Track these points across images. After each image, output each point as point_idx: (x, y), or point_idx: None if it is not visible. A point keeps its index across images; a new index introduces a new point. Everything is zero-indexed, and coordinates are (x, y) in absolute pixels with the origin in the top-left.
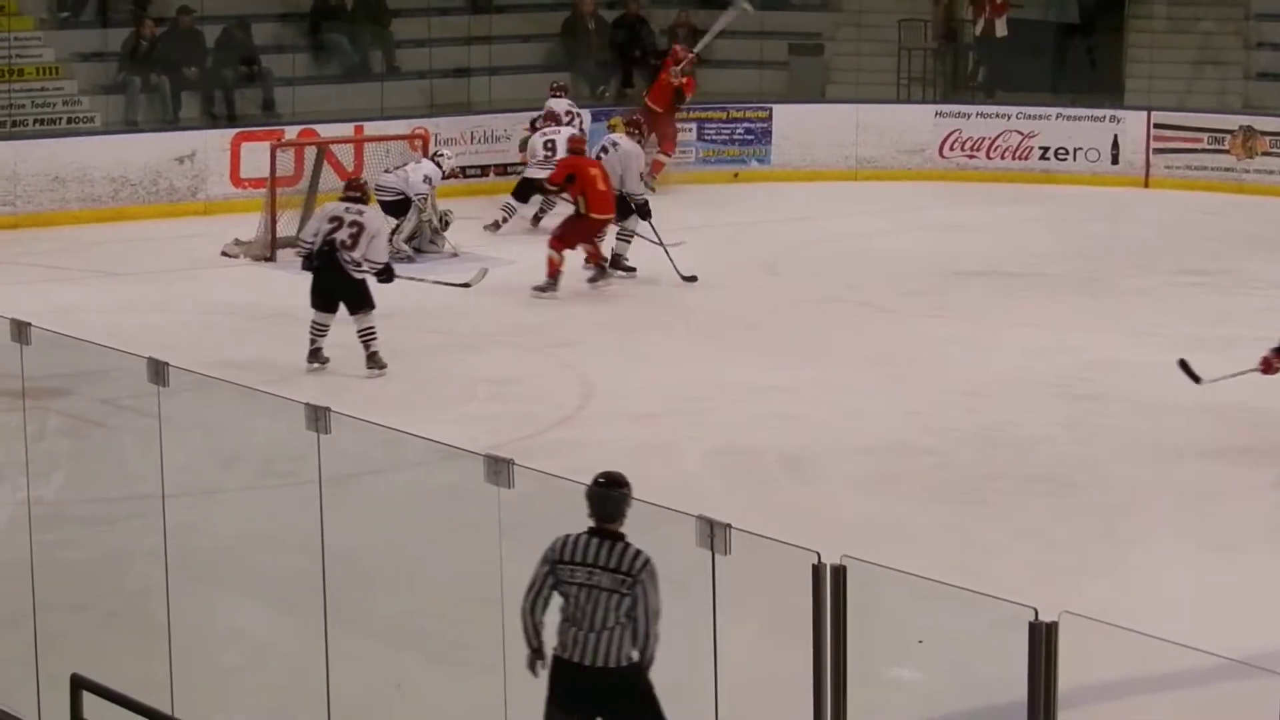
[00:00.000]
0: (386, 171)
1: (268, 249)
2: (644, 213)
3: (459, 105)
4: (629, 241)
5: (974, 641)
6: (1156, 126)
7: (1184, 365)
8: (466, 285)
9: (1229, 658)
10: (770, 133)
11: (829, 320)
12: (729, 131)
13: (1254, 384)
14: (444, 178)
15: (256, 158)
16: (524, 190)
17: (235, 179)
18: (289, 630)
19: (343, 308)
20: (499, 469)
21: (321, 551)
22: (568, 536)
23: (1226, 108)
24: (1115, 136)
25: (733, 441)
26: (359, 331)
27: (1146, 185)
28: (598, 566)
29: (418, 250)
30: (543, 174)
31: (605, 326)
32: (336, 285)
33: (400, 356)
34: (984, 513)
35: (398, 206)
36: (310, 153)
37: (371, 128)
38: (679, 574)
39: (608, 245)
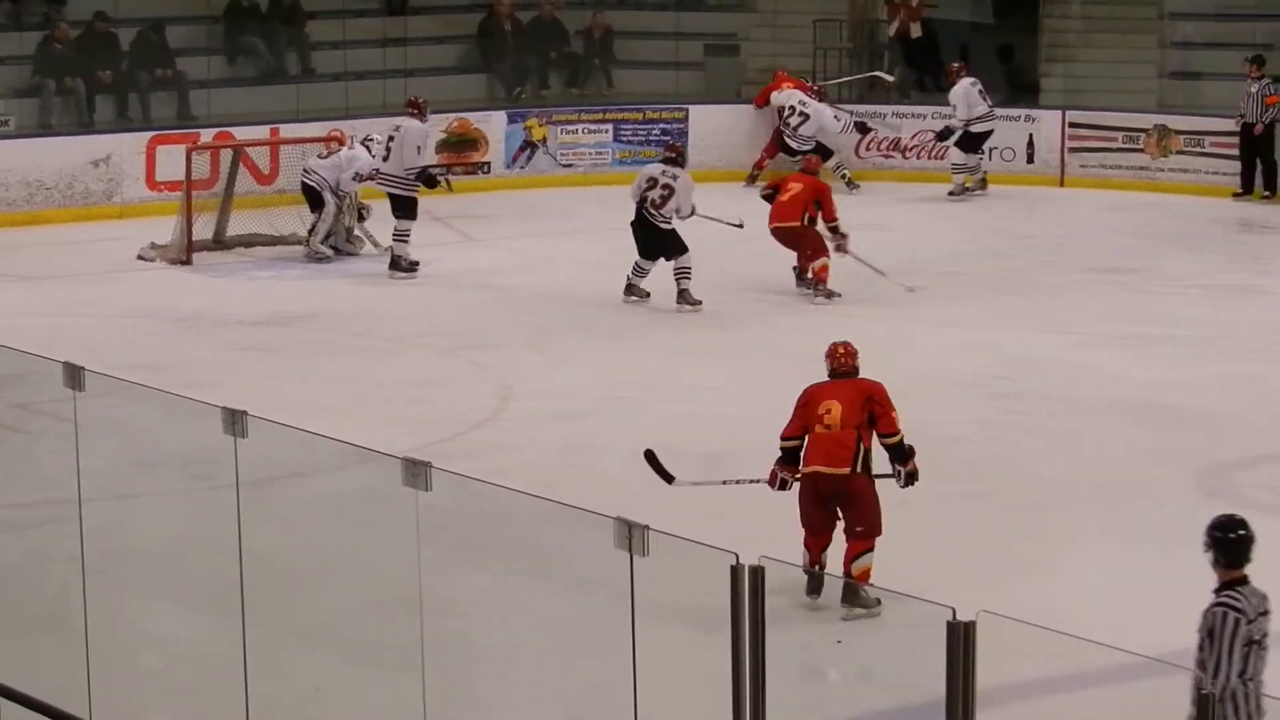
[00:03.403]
0: (320, 157)
1: (184, 252)
2: (431, 181)
3: (375, 107)
4: (406, 240)
5: (893, 641)
6: (1071, 126)
7: (651, 459)
8: (740, 225)
9: (1144, 655)
10: (686, 133)
11: (749, 320)
12: (645, 132)
13: (1174, 381)
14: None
15: (172, 161)
16: None
17: (151, 182)
18: (208, 634)
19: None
20: (417, 472)
21: (239, 555)
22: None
23: (1141, 107)
24: (1030, 136)
25: (654, 442)
26: (674, 270)
27: (1062, 184)
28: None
29: (335, 250)
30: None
31: (526, 328)
32: (647, 235)
33: (317, 359)
34: (904, 512)
35: (316, 198)
36: (226, 155)
37: (287, 130)
38: (596, 575)
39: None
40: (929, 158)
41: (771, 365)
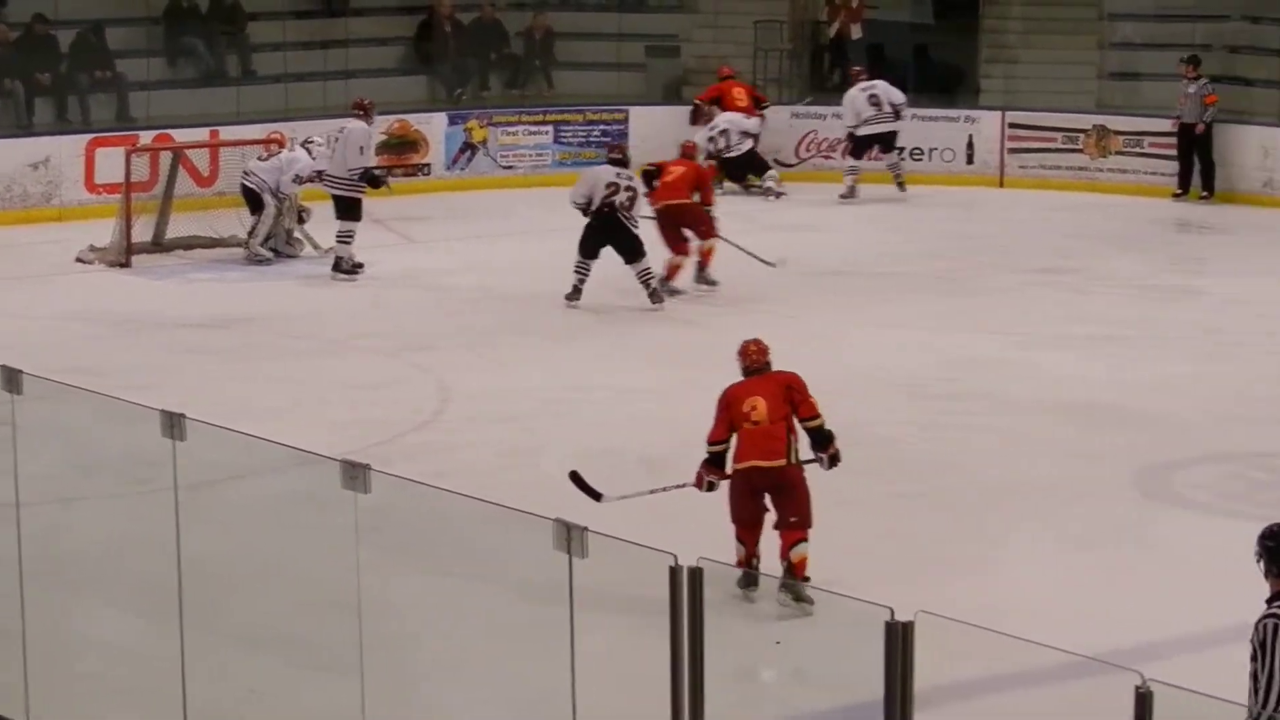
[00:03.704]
0: (260, 159)
1: (123, 255)
2: (375, 182)
3: (315, 109)
4: (349, 242)
5: (831, 641)
6: (1011, 126)
7: (576, 479)
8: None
9: (1082, 655)
10: (627, 134)
11: (687, 321)
12: (586, 134)
13: (1114, 381)
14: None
15: (111, 163)
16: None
17: (90, 185)
18: (146, 637)
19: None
20: (355, 474)
21: (178, 557)
22: None
23: (1080, 107)
24: (970, 136)
25: (593, 444)
26: (638, 274)
27: (1001, 185)
28: None
29: (275, 252)
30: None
31: (464, 331)
32: (613, 237)
33: (257, 361)
34: (845, 512)
35: (256, 200)
36: (165, 158)
37: (227, 132)
38: (535, 577)
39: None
40: (867, 159)
41: (712, 367)
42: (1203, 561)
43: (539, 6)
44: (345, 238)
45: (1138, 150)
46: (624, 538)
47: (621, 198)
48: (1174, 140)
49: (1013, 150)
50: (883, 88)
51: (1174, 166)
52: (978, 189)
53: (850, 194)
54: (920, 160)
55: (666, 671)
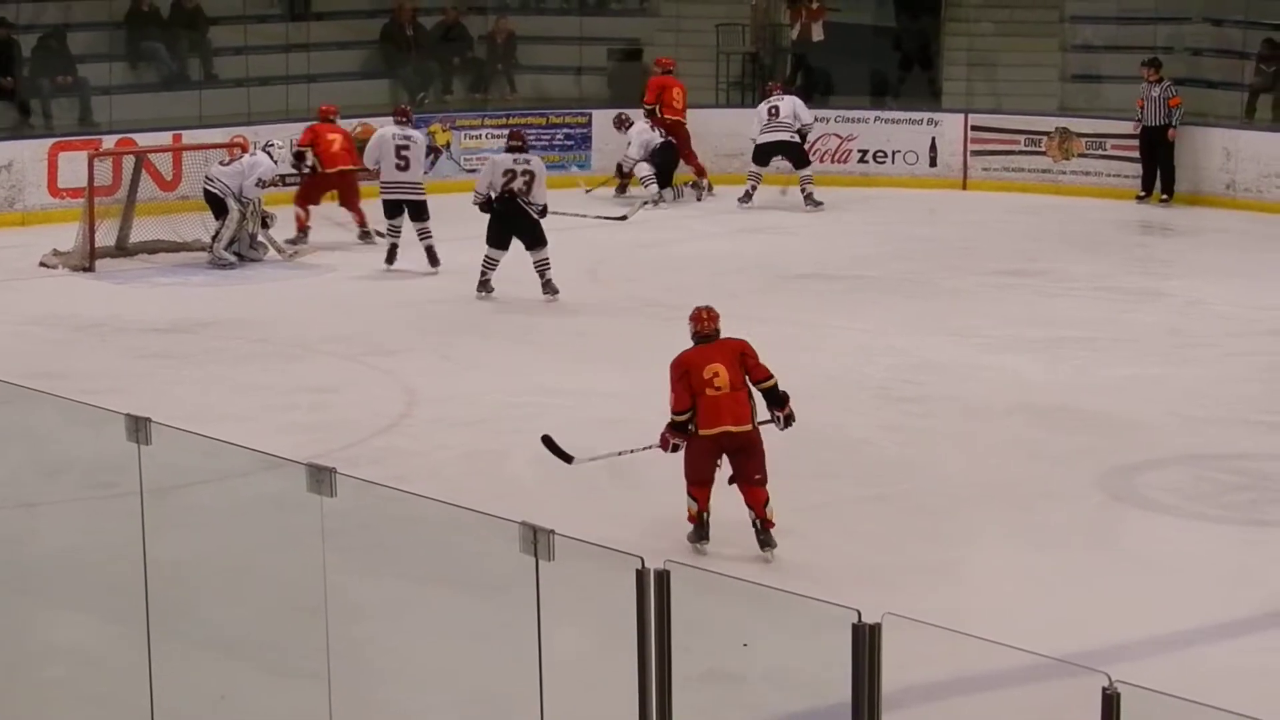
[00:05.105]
0: (221, 164)
1: (86, 259)
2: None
3: (278, 113)
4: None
5: (799, 644)
6: (974, 129)
7: (548, 443)
8: (624, 219)
9: (1050, 656)
10: (590, 138)
11: (653, 324)
12: (549, 137)
13: (1077, 384)
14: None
15: (74, 168)
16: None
17: (53, 189)
18: (113, 642)
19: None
20: (321, 478)
21: (144, 562)
22: None
23: (1042, 110)
24: (933, 139)
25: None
26: (536, 262)
27: (964, 187)
28: None
29: (239, 256)
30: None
31: (426, 333)
32: (516, 225)
33: (221, 365)
34: (812, 515)
35: (219, 205)
36: (128, 162)
37: (190, 136)
38: (502, 580)
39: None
40: (832, 162)
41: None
42: (1169, 563)
43: (501, 10)
44: (427, 235)
45: (1100, 152)
46: (591, 540)
47: (519, 183)
48: (1136, 142)
49: (976, 153)
50: (788, 102)
51: (1137, 169)
52: (941, 191)
53: (746, 199)
54: (884, 163)
55: (634, 674)
